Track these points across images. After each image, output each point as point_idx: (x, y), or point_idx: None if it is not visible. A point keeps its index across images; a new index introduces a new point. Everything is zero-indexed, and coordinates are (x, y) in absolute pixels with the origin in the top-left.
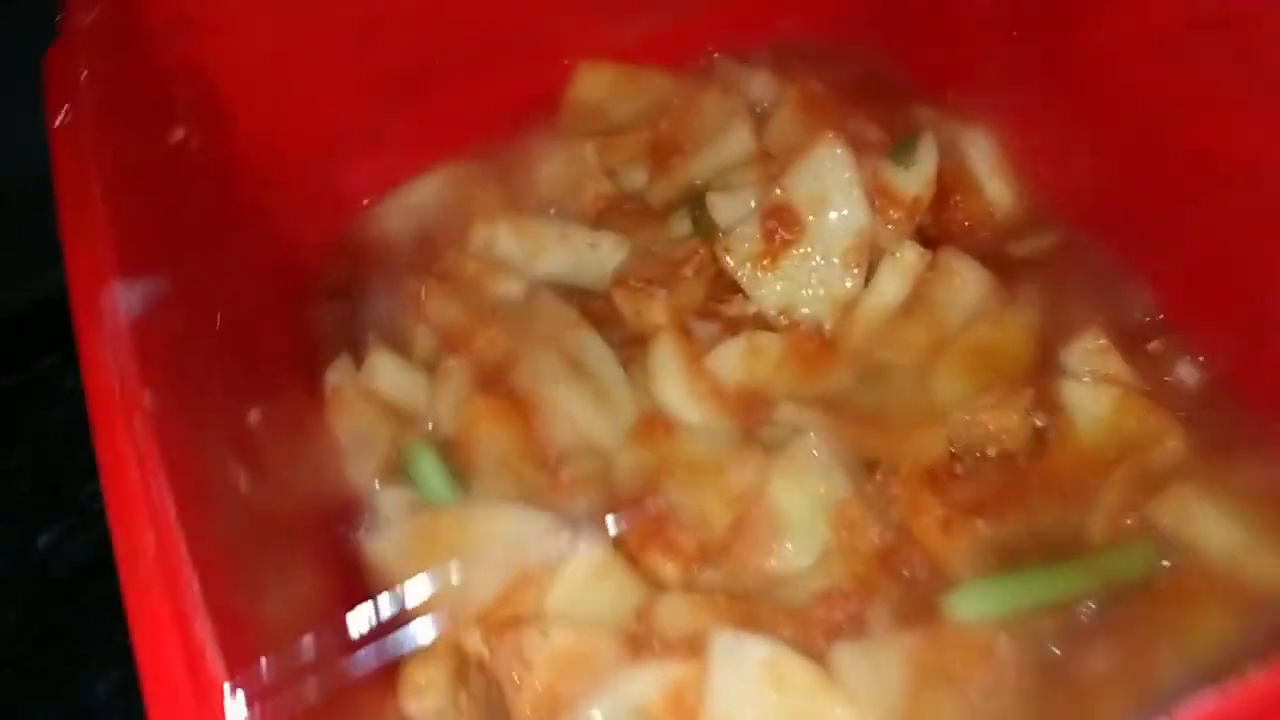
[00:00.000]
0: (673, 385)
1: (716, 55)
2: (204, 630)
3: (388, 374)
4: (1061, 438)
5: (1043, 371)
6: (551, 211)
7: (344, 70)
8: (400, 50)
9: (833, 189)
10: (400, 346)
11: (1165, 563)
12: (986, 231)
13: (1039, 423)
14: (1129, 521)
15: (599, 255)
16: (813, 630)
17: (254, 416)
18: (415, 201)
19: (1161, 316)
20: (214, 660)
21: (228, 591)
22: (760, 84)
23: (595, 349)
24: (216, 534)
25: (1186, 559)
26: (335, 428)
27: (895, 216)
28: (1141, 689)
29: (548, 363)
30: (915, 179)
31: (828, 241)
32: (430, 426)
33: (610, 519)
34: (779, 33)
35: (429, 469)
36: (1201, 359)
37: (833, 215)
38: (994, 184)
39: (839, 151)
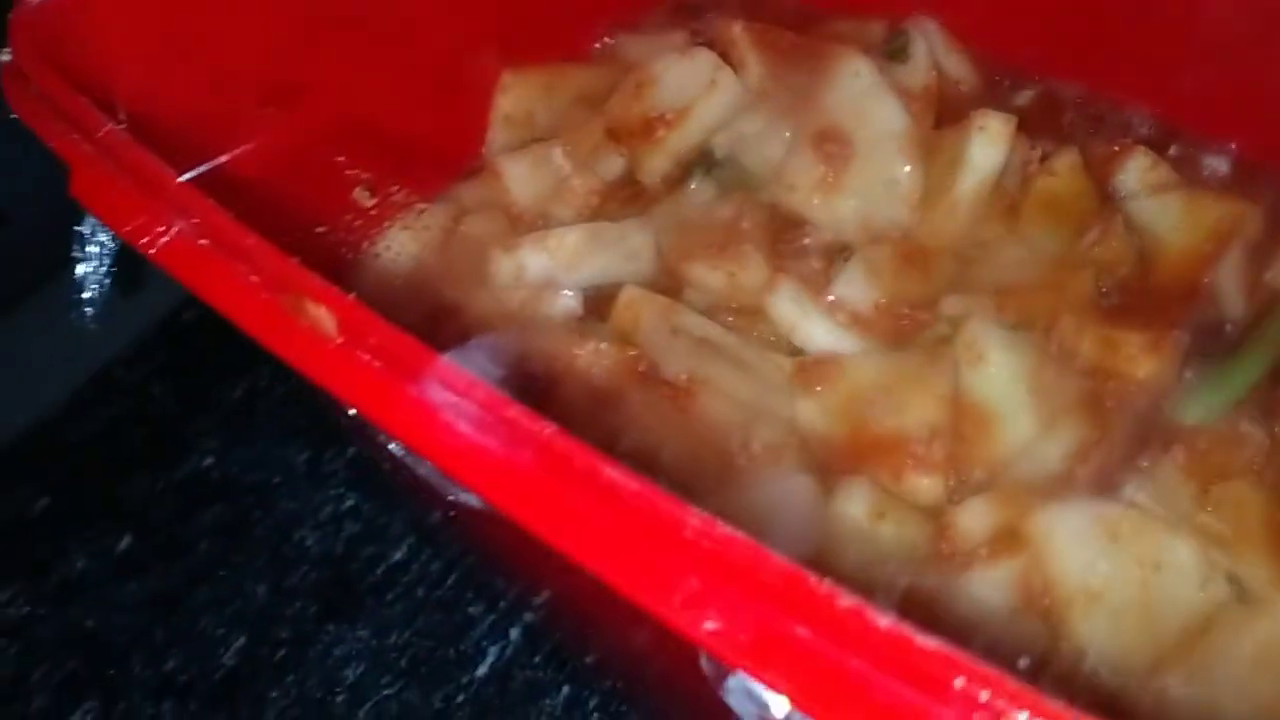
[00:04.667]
0: (815, 326)
1: (608, 39)
2: None
3: None
4: (1158, 250)
5: (1106, 201)
6: (541, 224)
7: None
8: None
9: (867, 97)
10: None
11: None
12: (961, 109)
13: (1137, 243)
14: (1259, 295)
15: (632, 244)
16: (1081, 487)
17: None
18: (383, 262)
19: (1165, 125)
20: None
21: None
22: (679, 43)
23: (705, 327)
24: None
25: None
26: None
27: (916, 109)
28: None
29: (674, 353)
30: (919, 70)
31: (881, 147)
32: None
33: None
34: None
35: None
36: (1216, 148)
37: (875, 122)
38: (951, 62)
39: (859, 62)
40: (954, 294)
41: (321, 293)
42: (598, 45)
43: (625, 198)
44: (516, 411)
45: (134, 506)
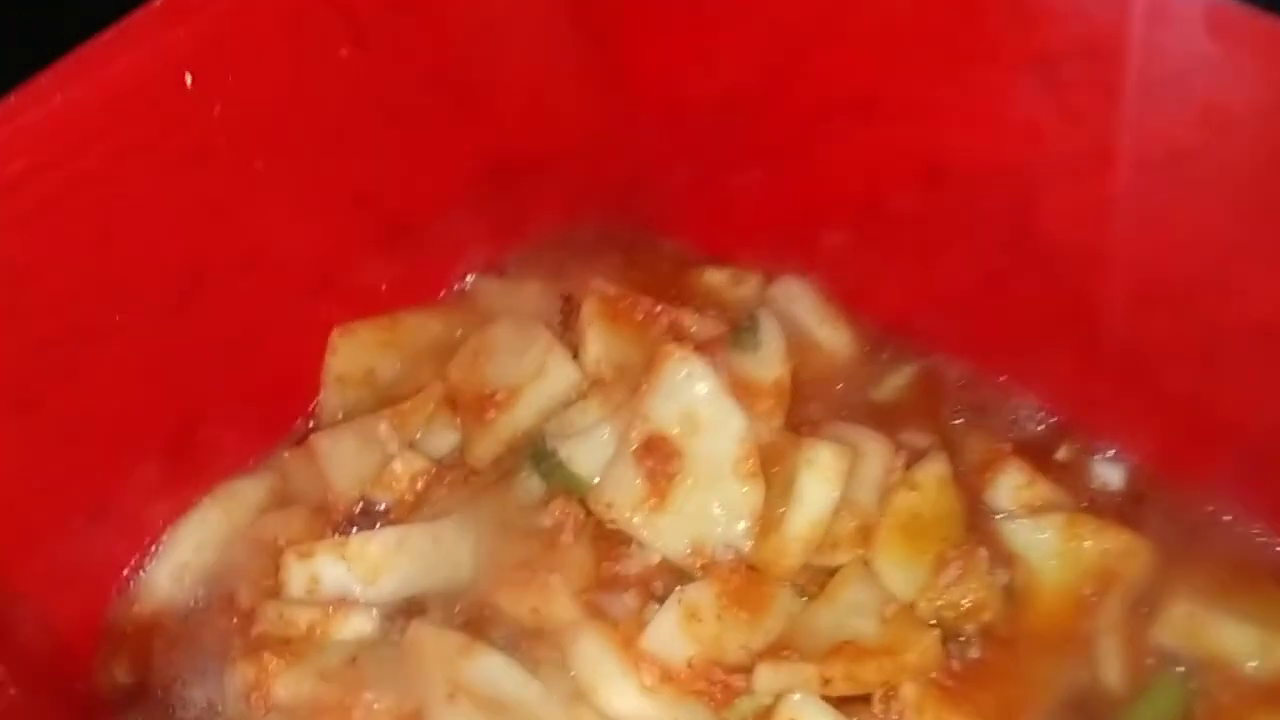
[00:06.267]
0: (617, 688)
1: (470, 278)
2: None
3: None
4: (1030, 587)
5: (980, 521)
6: (358, 510)
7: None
8: (129, 406)
9: (699, 405)
10: None
11: (1193, 685)
12: (840, 383)
13: (1004, 580)
14: (1143, 659)
15: (447, 550)
16: None
17: None
18: (182, 555)
19: (1055, 419)
20: None
21: None
22: (535, 297)
23: (503, 672)
24: None
25: (1214, 675)
26: None
27: (764, 408)
28: None
29: (460, 713)
30: (769, 361)
31: (713, 460)
32: None
33: None
34: (529, 236)
35: None
36: (1112, 453)
37: (708, 432)
38: (826, 331)
39: (692, 364)
40: (772, 662)
41: None
42: (457, 287)
43: (453, 481)
44: None
45: None
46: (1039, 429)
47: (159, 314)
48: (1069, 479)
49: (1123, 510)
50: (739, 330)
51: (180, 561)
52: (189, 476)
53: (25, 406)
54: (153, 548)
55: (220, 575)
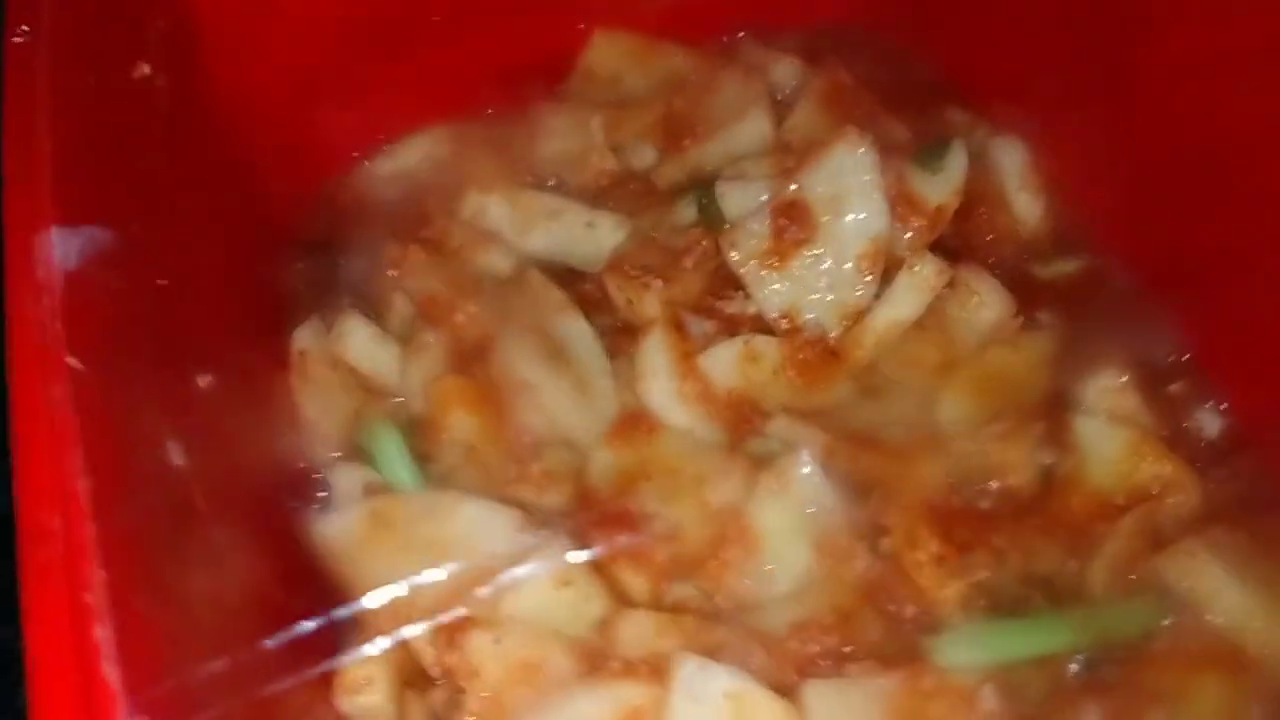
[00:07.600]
0: (660, 383)
1: (741, 35)
2: (105, 638)
3: (359, 342)
4: (1070, 478)
5: (1056, 405)
6: (550, 183)
7: (336, 13)
8: None
9: (852, 189)
10: (375, 314)
11: (1166, 621)
12: (1010, 248)
13: (1047, 460)
14: (1133, 575)
15: (595, 235)
16: (785, 663)
17: (203, 382)
18: (405, 160)
19: (1186, 357)
20: (112, 672)
21: (143, 587)
22: (784, 70)
23: (581, 336)
24: (137, 516)
25: (1189, 620)
26: (297, 394)
27: (916, 225)
28: None
29: (528, 346)
30: (941, 187)
31: (842, 244)
32: (397, 402)
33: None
34: (810, 17)
35: (391, 450)
36: (1224, 407)
37: (849, 217)
38: (1022, 198)
39: (861, 150)
40: (791, 418)
41: None
42: (725, 39)
43: (632, 192)
44: None
45: None
46: (1166, 359)
47: None
48: (1166, 411)
49: (1199, 457)
50: (927, 147)
51: (397, 163)
52: (435, 101)
53: None
54: (380, 147)
55: (420, 185)
